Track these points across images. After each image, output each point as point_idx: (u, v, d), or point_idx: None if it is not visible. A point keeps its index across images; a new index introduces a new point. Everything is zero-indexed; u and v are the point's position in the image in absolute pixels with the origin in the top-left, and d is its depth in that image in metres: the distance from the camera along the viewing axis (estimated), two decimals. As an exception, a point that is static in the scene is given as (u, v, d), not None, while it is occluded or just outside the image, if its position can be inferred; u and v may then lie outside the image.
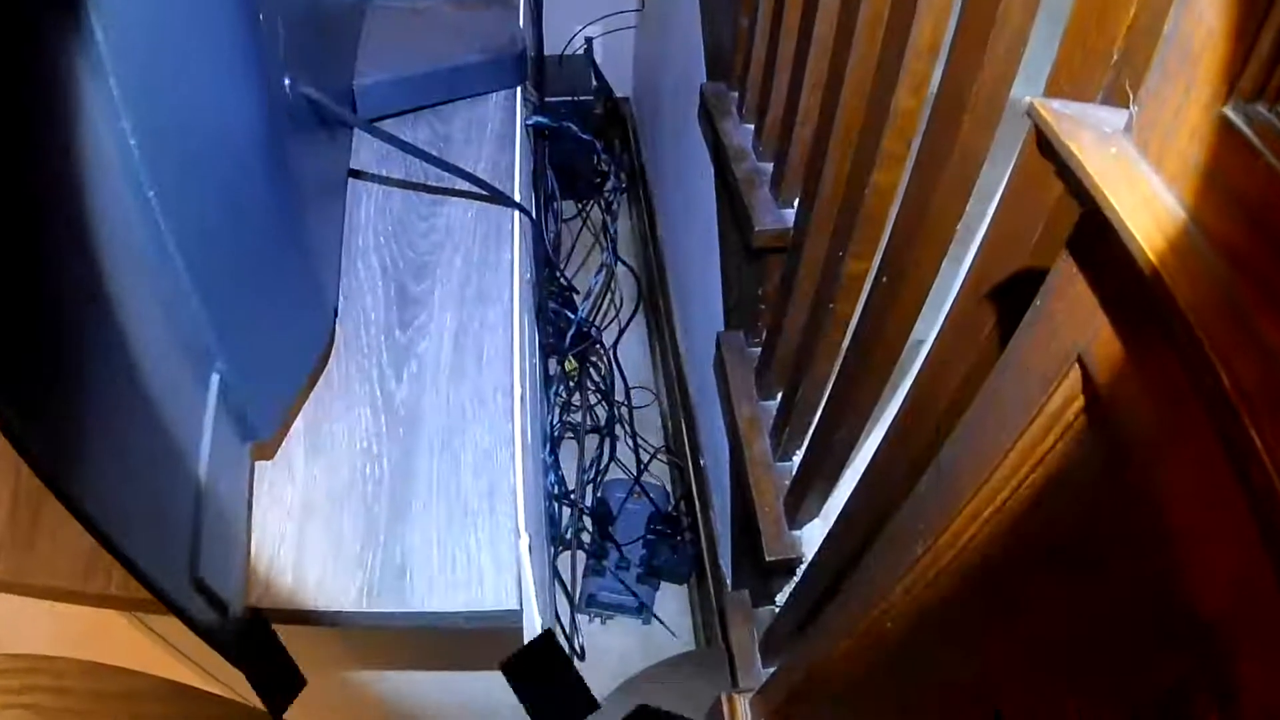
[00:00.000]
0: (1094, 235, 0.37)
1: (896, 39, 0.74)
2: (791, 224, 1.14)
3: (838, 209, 0.92)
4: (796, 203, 1.14)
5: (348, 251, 0.91)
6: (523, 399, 0.79)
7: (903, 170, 0.82)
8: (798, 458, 1.23)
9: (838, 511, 1.15)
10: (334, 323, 0.82)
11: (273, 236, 0.64)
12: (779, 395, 1.28)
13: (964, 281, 0.66)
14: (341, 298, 0.87)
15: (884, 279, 0.80)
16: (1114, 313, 0.37)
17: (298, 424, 0.78)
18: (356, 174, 1.01)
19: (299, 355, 0.72)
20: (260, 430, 0.67)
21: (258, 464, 0.75)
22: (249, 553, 0.69)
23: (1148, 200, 0.33)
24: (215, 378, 0.61)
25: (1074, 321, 0.40)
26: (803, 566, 1.20)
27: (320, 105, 0.75)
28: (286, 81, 0.68)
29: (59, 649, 0.63)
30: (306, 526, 0.72)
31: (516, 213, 0.96)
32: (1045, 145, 0.37)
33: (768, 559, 1.17)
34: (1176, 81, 0.33)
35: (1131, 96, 0.36)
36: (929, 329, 0.82)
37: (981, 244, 0.63)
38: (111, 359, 0.49)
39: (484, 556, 0.70)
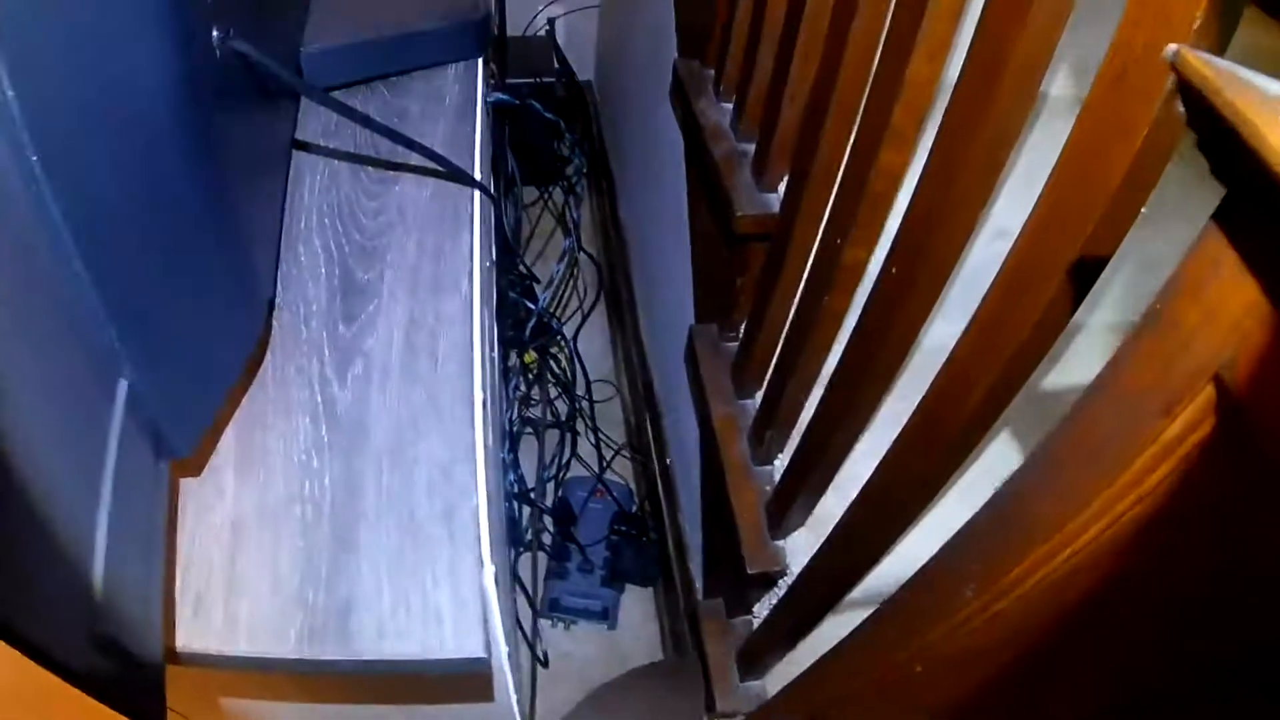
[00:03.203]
0: (1261, 222, 0.28)
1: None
2: (775, 209, 1.05)
3: (834, 192, 0.83)
4: (783, 186, 1.05)
5: (287, 233, 0.81)
6: (484, 404, 0.70)
7: (912, 149, 0.73)
8: (780, 462, 1.15)
9: (824, 520, 1.08)
10: (268, 317, 0.72)
11: (191, 216, 0.54)
12: (758, 394, 1.19)
13: (997, 277, 0.57)
14: (279, 286, 0.76)
15: (893, 270, 0.71)
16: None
17: (228, 433, 0.67)
18: (301, 146, 0.91)
19: (224, 358, 0.61)
20: (179, 447, 0.56)
21: (182, 481, 0.64)
22: (169, 588, 0.59)
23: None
24: (122, 385, 0.51)
25: (1215, 329, 0.31)
26: (786, 578, 1.12)
27: (257, 65, 0.65)
28: (215, 34, 0.58)
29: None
30: (238, 555, 0.62)
31: (476, 193, 0.87)
32: (1198, 107, 0.28)
33: (750, 571, 1.09)
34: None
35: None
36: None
37: (1022, 231, 0.54)
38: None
39: (442, 593, 0.60)
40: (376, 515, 0.63)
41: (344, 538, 0.62)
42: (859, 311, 0.80)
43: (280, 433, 0.67)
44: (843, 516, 0.85)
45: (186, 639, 0.59)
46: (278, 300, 0.75)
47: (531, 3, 2.52)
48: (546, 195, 2.61)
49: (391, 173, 0.88)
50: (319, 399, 0.69)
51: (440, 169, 0.86)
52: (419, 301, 0.76)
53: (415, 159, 0.87)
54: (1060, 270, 0.50)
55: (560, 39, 2.60)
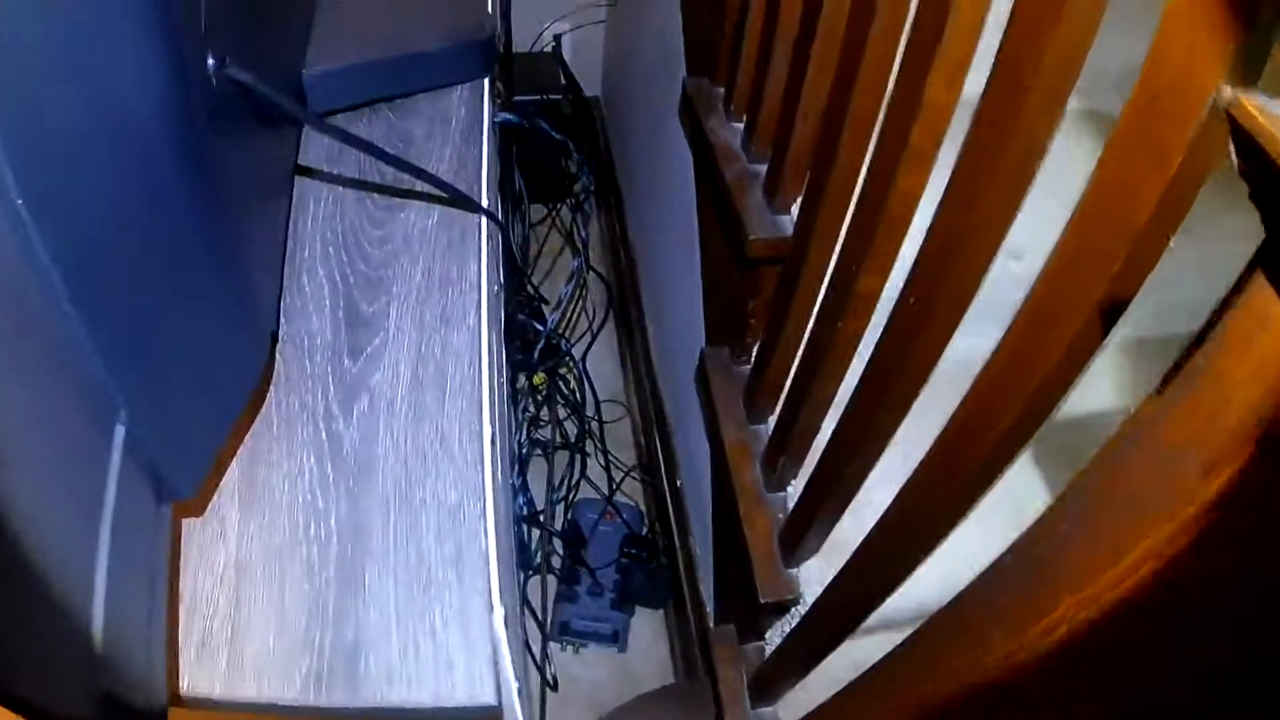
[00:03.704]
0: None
1: (931, 18, 0.63)
2: (788, 232, 1.04)
3: (849, 217, 0.81)
4: (796, 209, 1.04)
5: (290, 262, 0.80)
6: (493, 441, 0.68)
7: (929, 172, 0.71)
8: (794, 488, 1.13)
9: (839, 546, 1.06)
10: (271, 351, 0.70)
11: (189, 252, 0.52)
12: (771, 419, 1.17)
13: (1021, 310, 0.56)
14: (282, 318, 0.75)
15: (911, 300, 0.70)
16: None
17: (231, 471, 0.66)
18: (304, 171, 0.90)
19: (226, 397, 0.59)
20: (181, 489, 0.55)
21: (184, 521, 0.63)
22: (173, 633, 0.57)
23: None
24: (119, 429, 0.49)
25: (1262, 385, 0.29)
26: (799, 606, 1.10)
27: (255, 93, 0.63)
28: (210, 62, 0.56)
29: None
30: (242, 597, 0.60)
31: (484, 220, 0.85)
32: (1251, 151, 0.27)
33: (763, 600, 1.07)
34: None
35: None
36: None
37: (1048, 264, 0.53)
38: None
39: (452, 637, 0.58)
40: (384, 557, 0.62)
41: (351, 580, 0.61)
42: (874, 336, 0.79)
43: (284, 471, 0.66)
44: (858, 548, 0.83)
45: (191, 683, 0.57)
46: (281, 333, 0.73)
47: (537, 18, 2.51)
48: (554, 213, 2.60)
49: (397, 199, 0.86)
50: (324, 436, 0.67)
51: (446, 196, 0.85)
52: (426, 334, 0.74)
53: (421, 185, 0.86)
54: (1089, 305, 0.49)
55: (566, 54, 2.58)
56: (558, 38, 2.55)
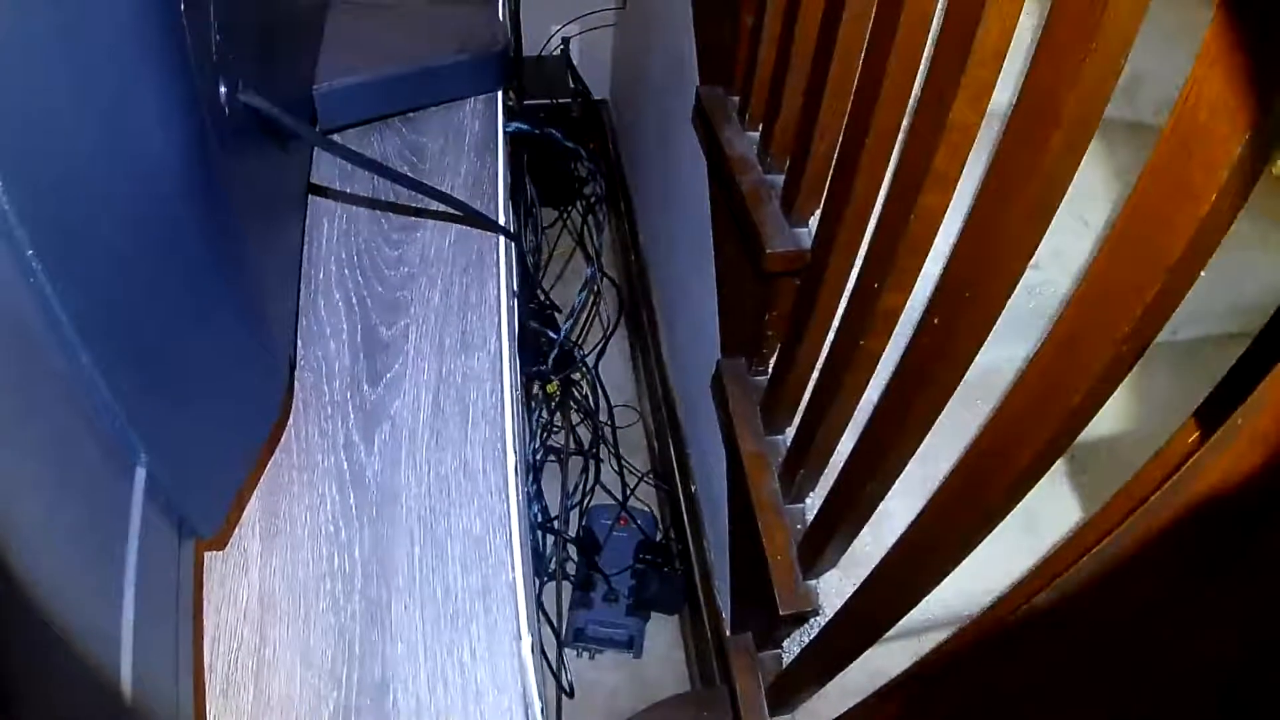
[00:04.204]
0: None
1: (956, 41, 0.62)
2: (806, 244, 1.03)
3: (871, 235, 0.81)
4: (814, 221, 1.03)
5: (306, 285, 0.79)
6: (517, 469, 0.67)
7: (953, 192, 0.71)
8: (812, 501, 1.12)
9: (857, 559, 1.05)
10: (290, 379, 0.69)
11: (205, 290, 0.51)
12: (789, 430, 1.16)
13: (1046, 340, 0.55)
14: (299, 342, 0.74)
15: (935, 320, 0.69)
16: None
17: (252, 503, 0.65)
18: (318, 191, 0.89)
19: (246, 433, 0.59)
20: (203, 528, 0.54)
21: (207, 554, 0.62)
22: (199, 673, 0.57)
23: None
24: (140, 472, 0.48)
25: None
26: (818, 618, 1.10)
27: (268, 117, 0.62)
28: (222, 90, 0.55)
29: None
30: (267, 631, 0.60)
31: (501, 238, 0.84)
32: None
33: (782, 613, 1.06)
34: None
35: None
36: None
37: (1076, 297, 0.52)
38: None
39: (480, 670, 0.58)
40: (409, 589, 0.61)
41: (376, 614, 0.60)
42: (895, 352, 0.78)
43: (306, 502, 0.65)
44: (877, 566, 0.82)
45: (216, 717, 0.57)
46: (299, 358, 0.73)
47: (546, 23, 2.50)
48: (565, 216, 2.59)
49: (413, 218, 0.86)
50: (345, 465, 0.67)
51: (463, 214, 0.84)
52: (446, 359, 0.73)
53: (436, 203, 0.85)
54: (1118, 338, 0.48)
55: (575, 57, 2.58)
56: (566, 40, 2.54)
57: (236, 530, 0.63)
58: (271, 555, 0.63)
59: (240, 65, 0.58)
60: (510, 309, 0.79)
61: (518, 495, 0.66)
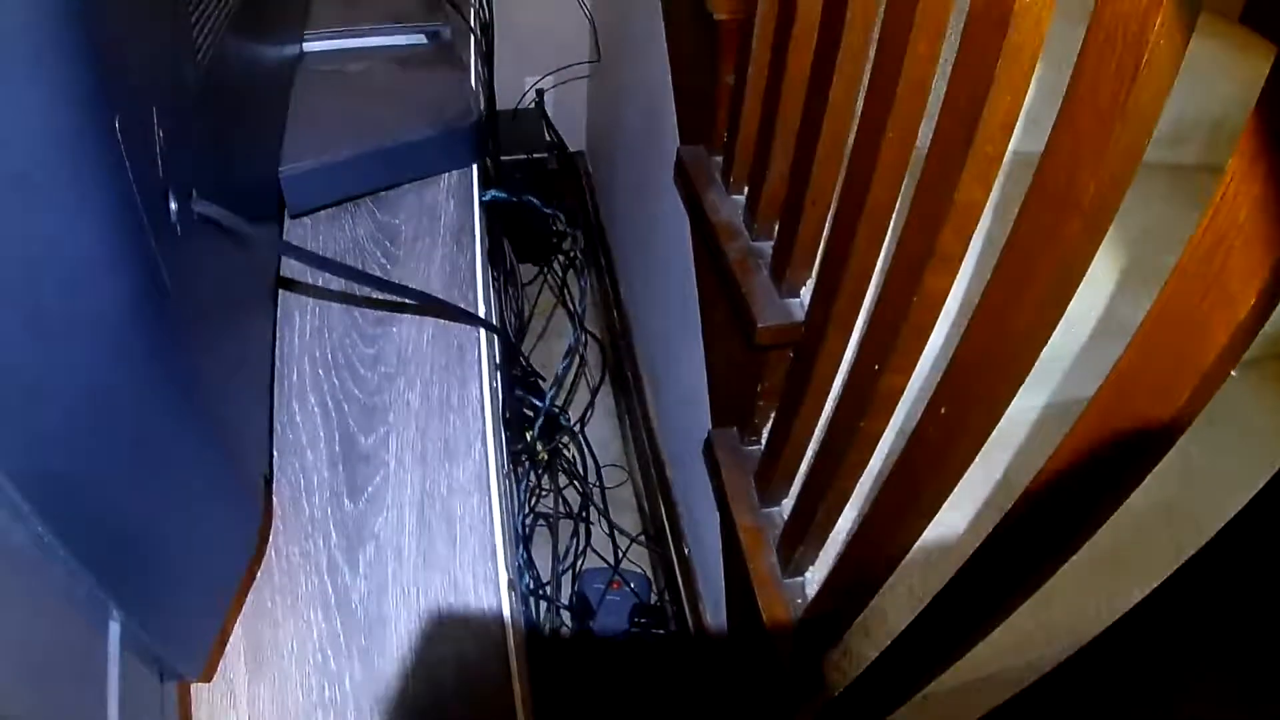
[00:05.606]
0: None
1: (962, 116, 0.59)
2: (798, 316, 0.99)
3: (869, 314, 0.77)
4: (805, 291, 0.99)
5: (279, 387, 0.74)
6: (511, 586, 0.63)
7: (957, 272, 0.67)
8: (812, 573, 1.08)
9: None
10: (266, 501, 0.65)
11: (166, 436, 0.47)
12: (785, 502, 1.12)
13: (1072, 433, 0.51)
14: (274, 453, 0.70)
15: (942, 410, 0.65)
16: None
17: (236, 630, 0.60)
18: (287, 285, 0.84)
19: (220, 576, 0.54)
20: (185, 670, 0.49)
21: (193, 686, 0.58)
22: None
23: None
24: (113, 627, 0.44)
25: None
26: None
27: (225, 225, 0.57)
28: (173, 207, 0.50)
29: None
30: (253, 775, 0.55)
31: (483, 331, 0.80)
32: None
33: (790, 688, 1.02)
34: None
35: None
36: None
37: (1104, 384, 0.48)
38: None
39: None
40: (402, 726, 0.56)
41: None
42: (895, 433, 0.74)
43: (291, 630, 0.60)
44: (885, 655, 0.78)
45: None
46: (275, 469, 0.68)
47: (520, 75, 2.47)
48: (545, 272, 2.55)
49: (388, 312, 0.81)
50: (330, 589, 0.62)
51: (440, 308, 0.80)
52: (429, 470, 0.69)
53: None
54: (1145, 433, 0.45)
55: (549, 109, 2.55)
56: (541, 93, 2.51)
57: (222, 661, 0.59)
58: (259, 687, 0.58)
59: (193, 171, 0.53)
60: (495, 409, 0.75)
61: (511, 614, 0.61)
